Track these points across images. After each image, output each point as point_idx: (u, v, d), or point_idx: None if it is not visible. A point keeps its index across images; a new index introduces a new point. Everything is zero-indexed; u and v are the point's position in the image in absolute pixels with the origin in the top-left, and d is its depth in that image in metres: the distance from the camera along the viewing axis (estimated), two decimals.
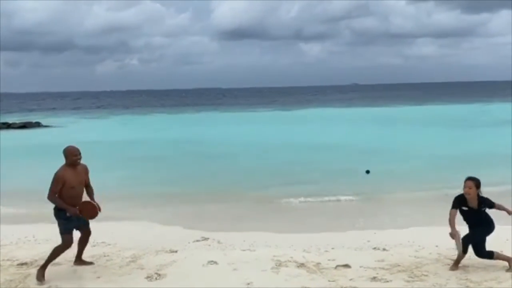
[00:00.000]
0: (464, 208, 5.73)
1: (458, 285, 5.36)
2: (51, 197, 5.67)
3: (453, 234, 5.66)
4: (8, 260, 6.46)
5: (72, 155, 5.78)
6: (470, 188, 5.63)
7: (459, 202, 5.74)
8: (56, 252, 5.77)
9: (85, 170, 5.98)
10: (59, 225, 5.76)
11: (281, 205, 10.63)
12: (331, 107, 56.09)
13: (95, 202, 5.84)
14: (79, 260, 6.22)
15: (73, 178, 5.74)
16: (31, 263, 6.28)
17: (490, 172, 11.67)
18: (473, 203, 5.68)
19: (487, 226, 5.76)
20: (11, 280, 5.68)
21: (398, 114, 41.92)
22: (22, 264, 6.28)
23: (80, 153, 5.84)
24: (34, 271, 5.99)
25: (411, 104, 56.99)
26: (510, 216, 5.81)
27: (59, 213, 5.73)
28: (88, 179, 6.03)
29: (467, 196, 5.67)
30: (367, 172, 13.84)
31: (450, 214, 5.72)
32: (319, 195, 11.40)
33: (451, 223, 5.65)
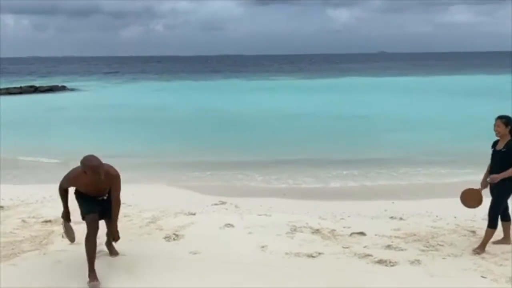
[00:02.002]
0: (492, 149, 5.45)
1: (473, 256, 5.33)
2: (59, 191, 4.99)
3: (483, 183, 5.53)
4: (33, 217, 6.73)
5: (93, 174, 4.54)
6: (498, 127, 5.34)
7: (493, 145, 5.49)
8: (89, 247, 4.76)
9: (111, 180, 4.81)
10: (79, 208, 4.89)
11: (298, 174, 10.62)
12: (357, 76, 55.08)
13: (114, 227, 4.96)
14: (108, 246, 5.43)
15: (89, 187, 4.80)
16: (55, 221, 6.51)
17: None
18: (501, 145, 5.37)
19: (509, 181, 5.26)
20: (36, 236, 5.94)
21: (427, 84, 40.90)
22: (46, 221, 6.54)
23: (102, 169, 4.58)
24: (58, 228, 6.23)
25: (441, 74, 55.42)
26: None
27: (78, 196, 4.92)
28: (117, 188, 4.89)
29: (497, 136, 5.40)
30: None
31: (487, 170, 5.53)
32: (340, 164, 11.34)
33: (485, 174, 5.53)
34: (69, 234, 5.43)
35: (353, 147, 13.63)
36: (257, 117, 20.98)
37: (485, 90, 32.71)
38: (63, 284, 4.68)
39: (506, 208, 5.57)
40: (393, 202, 7.78)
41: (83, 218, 4.91)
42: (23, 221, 6.57)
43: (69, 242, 5.61)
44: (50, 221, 6.54)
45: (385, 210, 7.27)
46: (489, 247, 5.57)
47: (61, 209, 6.45)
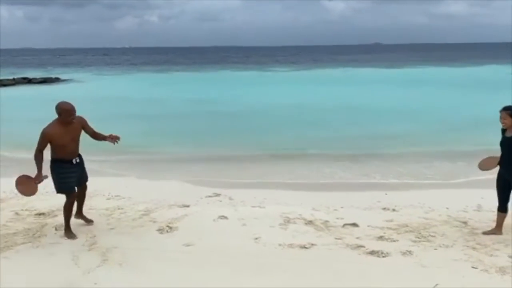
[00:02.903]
0: (502, 137, 5.50)
1: (464, 246, 5.37)
2: (35, 156, 5.40)
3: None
4: (26, 210, 6.72)
5: (67, 115, 5.33)
6: (504, 119, 5.39)
7: (502, 133, 5.51)
8: (68, 213, 5.64)
9: (81, 124, 5.56)
10: (55, 183, 5.53)
11: (294, 165, 10.64)
12: (351, 67, 55.03)
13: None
14: (79, 215, 6.04)
15: (64, 135, 5.37)
16: (49, 213, 6.52)
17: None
18: (509, 133, 5.39)
19: None
20: (29, 229, 5.94)
21: (420, 75, 40.95)
22: (40, 214, 6.53)
23: (75, 112, 5.40)
24: (51, 220, 6.25)
25: (434, 65, 55.51)
26: None
27: (54, 169, 5.47)
28: (90, 128, 5.67)
29: (504, 127, 5.45)
30: None
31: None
32: (332, 155, 11.39)
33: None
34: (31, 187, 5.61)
35: (346, 139, 13.65)
36: (251, 108, 20.94)
37: (480, 81, 32.84)
38: (56, 277, 4.68)
39: (507, 199, 5.61)
40: (386, 194, 7.81)
41: (62, 193, 5.61)
42: (16, 213, 6.56)
43: (63, 235, 5.64)
44: (43, 213, 6.53)
45: (378, 202, 7.29)
46: (480, 238, 5.63)
47: (54, 201, 6.48)
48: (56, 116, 5.47)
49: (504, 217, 5.70)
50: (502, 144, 5.50)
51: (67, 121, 5.37)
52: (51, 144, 5.40)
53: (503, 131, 5.52)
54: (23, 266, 4.92)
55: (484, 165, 5.88)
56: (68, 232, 5.66)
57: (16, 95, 27.81)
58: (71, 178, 5.57)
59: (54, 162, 5.50)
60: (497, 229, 5.73)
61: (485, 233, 5.74)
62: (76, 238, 5.59)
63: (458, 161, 10.46)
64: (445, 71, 46.50)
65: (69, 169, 5.54)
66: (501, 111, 5.41)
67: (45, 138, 5.35)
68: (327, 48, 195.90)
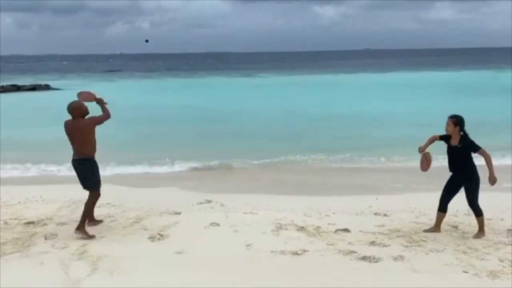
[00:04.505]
0: (447, 145, 5.83)
1: (455, 251, 5.41)
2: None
3: (421, 148, 5.99)
4: (15, 219, 6.64)
5: (81, 106, 5.91)
6: (448, 126, 5.73)
7: (445, 138, 5.84)
8: (88, 207, 5.99)
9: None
10: (94, 175, 5.94)
11: (285, 170, 10.67)
12: (341, 73, 55.33)
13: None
14: (93, 220, 6.32)
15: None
16: (38, 222, 6.45)
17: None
18: (455, 142, 5.74)
19: (472, 174, 5.70)
20: (18, 238, 5.85)
21: (409, 80, 41.25)
22: (29, 223, 6.45)
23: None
24: (40, 229, 6.18)
25: (423, 70, 56.00)
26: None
27: (93, 166, 5.95)
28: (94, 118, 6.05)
29: (447, 134, 5.78)
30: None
31: (430, 137, 5.99)
32: (321, 160, 11.44)
33: (426, 141, 5.98)
34: None
35: (335, 142, 13.71)
36: (241, 114, 20.97)
37: (469, 86, 33.17)
38: (45, 286, 4.62)
39: (448, 202, 5.97)
40: (377, 198, 7.84)
41: (97, 189, 5.99)
42: (5, 222, 6.47)
43: (53, 244, 5.58)
44: (32, 222, 6.45)
45: (370, 206, 7.32)
46: (471, 242, 5.68)
47: (43, 210, 6.46)
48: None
49: (443, 216, 6.03)
50: (450, 151, 5.82)
51: (83, 112, 5.90)
52: (91, 138, 5.88)
53: (447, 138, 5.82)
54: (12, 275, 4.85)
55: (424, 167, 6.13)
56: (84, 232, 5.87)
57: (3, 102, 27.52)
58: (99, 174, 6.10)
59: (92, 160, 5.97)
60: (437, 227, 6.03)
61: (425, 230, 6.03)
62: (92, 239, 5.81)
63: (445, 165, 10.51)
64: (434, 75, 46.95)
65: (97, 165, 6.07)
66: (448, 118, 5.76)
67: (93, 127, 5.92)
68: (318, 53, 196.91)
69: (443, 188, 5.99)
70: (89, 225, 6.14)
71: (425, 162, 6.05)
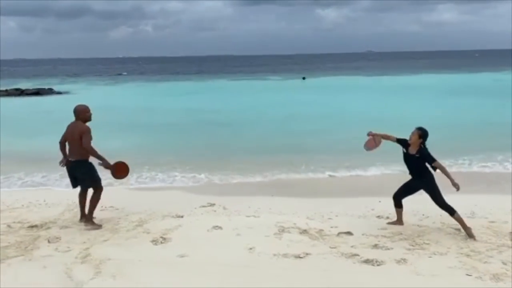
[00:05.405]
0: (404, 151, 6.20)
1: (458, 254, 5.39)
2: (91, 151, 6.13)
3: (372, 133, 6.45)
4: (19, 222, 6.66)
5: (85, 111, 6.24)
6: (413, 135, 6.08)
7: (403, 143, 6.21)
8: (96, 201, 6.39)
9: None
10: (94, 175, 6.31)
11: (287, 173, 10.65)
12: (344, 75, 55.34)
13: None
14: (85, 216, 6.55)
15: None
16: (41, 226, 6.46)
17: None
18: (413, 150, 6.10)
19: (428, 179, 6.09)
20: (21, 242, 5.86)
21: (413, 82, 41.26)
22: (32, 226, 6.47)
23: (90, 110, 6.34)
24: (44, 233, 6.19)
25: (425, 73, 55.96)
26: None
27: (92, 166, 6.30)
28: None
29: (409, 142, 6.13)
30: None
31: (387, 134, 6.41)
32: (324, 162, 11.41)
33: (383, 133, 6.43)
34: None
35: (337, 145, 13.69)
36: (244, 117, 20.99)
37: (470, 88, 33.09)
38: None
39: (402, 198, 6.39)
40: (380, 201, 7.82)
41: (99, 186, 6.39)
42: (8, 226, 6.49)
43: (56, 248, 5.59)
44: (36, 226, 6.47)
45: (372, 209, 7.31)
46: (474, 245, 5.66)
47: (46, 213, 6.50)
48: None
49: (401, 211, 6.46)
50: (407, 159, 6.19)
51: (87, 117, 6.24)
52: (87, 140, 6.09)
53: (404, 144, 6.18)
54: (15, 279, 4.86)
55: (370, 145, 6.52)
56: (91, 223, 6.37)
57: (7, 106, 27.64)
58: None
59: (87, 161, 6.30)
60: (399, 221, 6.46)
61: (389, 223, 6.46)
62: (99, 228, 6.31)
63: (450, 169, 10.48)
64: (435, 78, 46.89)
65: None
66: (415, 129, 6.13)
67: (90, 133, 6.14)
68: (320, 56, 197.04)
69: (400, 186, 6.41)
70: (81, 221, 6.48)
71: (373, 142, 6.44)
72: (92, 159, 6.37)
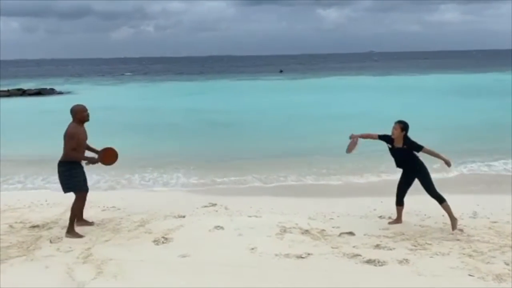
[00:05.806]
0: (389, 146, 6.31)
1: (460, 254, 5.37)
2: (70, 154, 5.86)
3: (353, 136, 6.51)
4: (21, 222, 6.67)
5: (82, 111, 5.97)
6: (395, 129, 6.18)
7: (386, 139, 6.31)
8: (75, 209, 6.08)
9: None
10: (73, 182, 5.97)
11: (290, 174, 10.62)
12: (345, 75, 55.29)
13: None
14: (81, 220, 6.39)
15: (83, 135, 6.00)
16: (43, 226, 6.48)
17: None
18: (398, 144, 6.22)
19: (420, 166, 6.23)
20: (23, 242, 5.87)
21: (415, 82, 41.21)
22: (34, 226, 6.47)
23: (87, 110, 6.07)
24: (46, 233, 6.20)
25: (429, 73, 55.88)
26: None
27: (71, 171, 5.93)
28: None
29: (392, 137, 6.23)
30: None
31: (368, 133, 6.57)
32: (325, 162, 11.38)
33: (363, 134, 6.55)
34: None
35: (340, 146, 13.63)
36: (246, 117, 20.98)
37: (474, 89, 33.01)
38: None
39: (403, 195, 6.48)
40: (382, 202, 7.80)
41: (78, 191, 6.02)
42: (10, 226, 6.50)
43: (58, 248, 5.60)
44: (37, 226, 6.48)
45: (374, 209, 7.29)
46: (476, 245, 5.64)
47: (48, 213, 6.49)
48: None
49: (402, 209, 6.55)
50: (395, 153, 6.31)
51: (83, 117, 5.96)
52: (72, 144, 5.83)
53: (388, 140, 6.29)
54: (17, 279, 4.87)
55: (349, 149, 6.62)
56: (74, 234, 6.01)
57: (8, 107, 27.69)
58: (81, 177, 6.07)
59: (68, 163, 5.95)
60: (399, 219, 6.55)
61: (390, 223, 6.51)
62: (82, 237, 5.95)
63: (453, 169, 10.46)
64: (437, 78, 46.81)
65: (80, 169, 6.08)
66: (395, 123, 6.22)
67: (74, 137, 5.83)
68: (321, 56, 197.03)
69: (397, 185, 6.50)
70: (77, 225, 6.24)
71: (353, 144, 6.50)
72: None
